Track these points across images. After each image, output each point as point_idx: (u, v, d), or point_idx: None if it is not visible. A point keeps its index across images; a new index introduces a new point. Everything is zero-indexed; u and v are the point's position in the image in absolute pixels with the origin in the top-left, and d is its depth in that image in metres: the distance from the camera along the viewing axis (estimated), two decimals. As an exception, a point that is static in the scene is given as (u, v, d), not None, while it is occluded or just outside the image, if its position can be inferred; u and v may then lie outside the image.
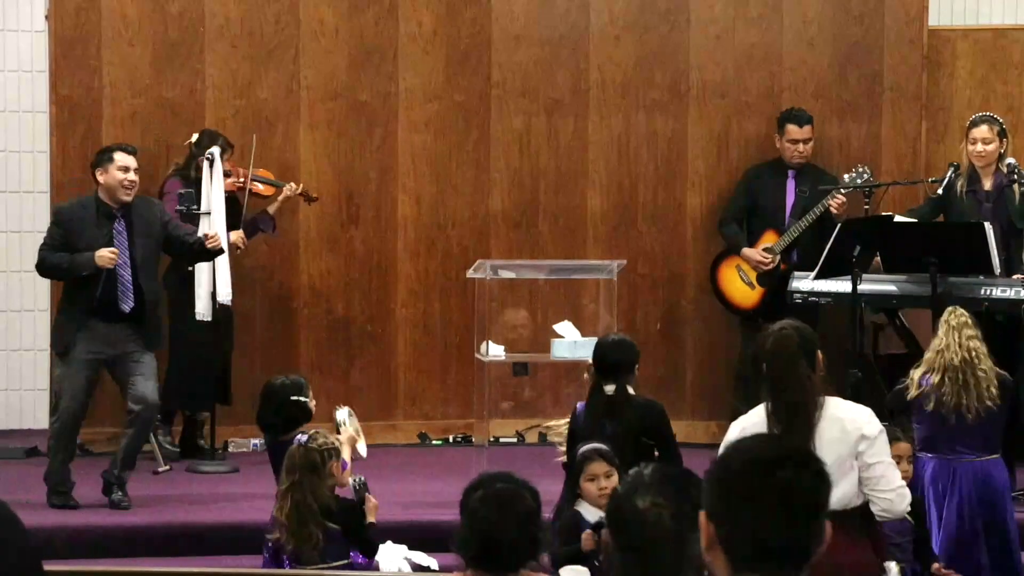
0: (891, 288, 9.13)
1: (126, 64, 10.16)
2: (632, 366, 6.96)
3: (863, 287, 8.78)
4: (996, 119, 9.42)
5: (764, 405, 5.51)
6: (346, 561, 6.55)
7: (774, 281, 10.03)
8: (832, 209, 9.79)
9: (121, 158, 8.68)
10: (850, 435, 5.42)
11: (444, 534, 7.98)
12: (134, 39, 10.16)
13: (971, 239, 8.82)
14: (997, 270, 8.82)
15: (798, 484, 2.83)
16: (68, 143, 10.14)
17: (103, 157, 8.74)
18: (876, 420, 5.53)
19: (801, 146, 10.13)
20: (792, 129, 10.14)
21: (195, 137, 9.81)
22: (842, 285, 8.93)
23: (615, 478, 6.00)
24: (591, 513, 6.28)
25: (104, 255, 8.46)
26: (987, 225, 8.80)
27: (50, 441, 8.79)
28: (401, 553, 7.61)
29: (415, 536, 7.82)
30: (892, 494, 5.48)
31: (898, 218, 9.31)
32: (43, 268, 8.77)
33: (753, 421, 5.51)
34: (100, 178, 8.69)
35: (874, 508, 5.49)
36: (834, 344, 10.11)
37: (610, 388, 6.85)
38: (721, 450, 2.96)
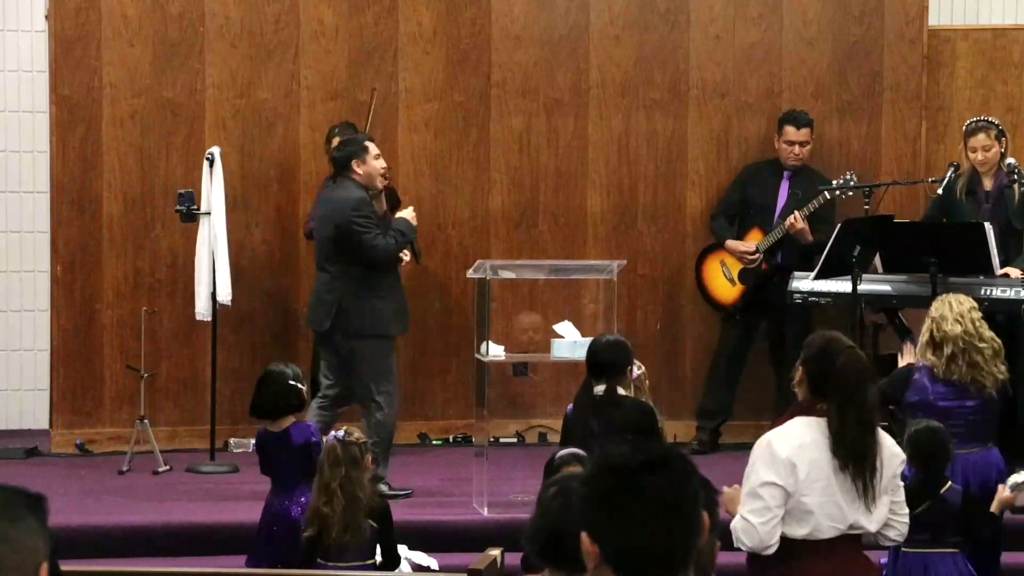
0: (891, 288, 9.13)
1: (126, 64, 10.16)
2: (624, 367, 6.95)
3: (863, 287, 8.79)
4: (992, 123, 9.39)
5: (810, 421, 5.30)
6: (372, 561, 6.55)
7: (754, 279, 10.06)
8: (787, 229, 9.82)
9: (373, 147, 8.84)
10: (894, 458, 5.39)
11: (444, 534, 8.07)
12: (134, 39, 10.16)
13: (971, 239, 8.82)
14: (997, 270, 8.82)
15: (661, 486, 2.84)
16: (68, 143, 10.14)
17: (358, 148, 8.79)
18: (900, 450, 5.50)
19: (797, 148, 10.12)
20: (789, 131, 10.14)
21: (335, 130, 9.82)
22: (842, 285, 8.93)
23: None
24: None
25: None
26: (987, 225, 8.80)
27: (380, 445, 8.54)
28: (401, 553, 7.61)
29: (415, 536, 7.82)
30: (905, 523, 5.47)
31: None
32: (386, 253, 8.73)
33: (804, 433, 5.28)
34: (359, 169, 8.75)
35: (891, 533, 5.43)
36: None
37: (599, 388, 6.87)
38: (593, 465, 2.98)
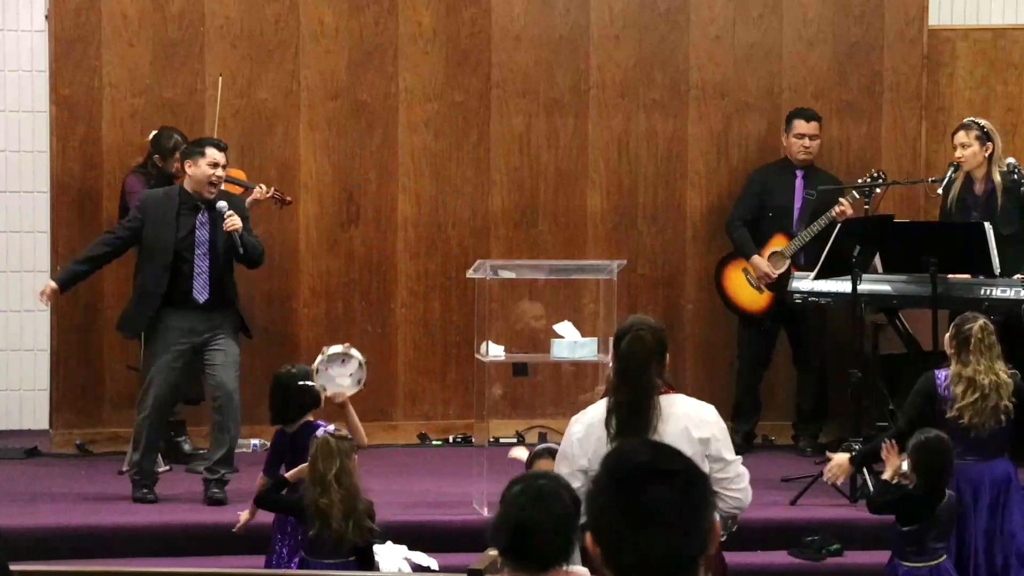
0: (891, 288, 9.13)
1: (126, 64, 10.16)
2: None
3: (863, 287, 8.78)
4: (976, 123, 9.35)
5: (606, 400, 5.62)
6: (352, 559, 6.55)
7: (783, 285, 9.97)
8: (835, 216, 9.76)
9: (212, 153, 8.74)
10: (695, 433, 5.51)
11: (444, 534, 8.07)
12: (134, 39, 10.16)
13: (971, 239, 8.82)
14: (997, 270, 8.82)
15: (665, 496, 2.81)
16: (68, 143, 10.14)
17: (194, 150, 8.81)
18: (720, 418, 5.64)
19: (807, 141, 10.12)
20: (799, 124, 10.13)
21: (152, 134, 9.78)
22: (842, 285, 8.93)
23: None
24: None
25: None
26: (987, 225, 8.80)
27: (139, 434, 8.79)
28: (401, 553, 7.61)
29: (415, 536, 7.83)
30: (742, 492, 5.56)
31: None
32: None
33: (591, 417, 5.61)
34: (188, 169, 8.75)
35: (723, 505, 5.51)
36: (834, 344, 10.16)
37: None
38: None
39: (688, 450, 5.43)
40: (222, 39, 10.25)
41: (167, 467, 9.52)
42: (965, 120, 9.49)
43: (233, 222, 8.66)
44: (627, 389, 5.56)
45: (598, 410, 5.65)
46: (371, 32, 10.41)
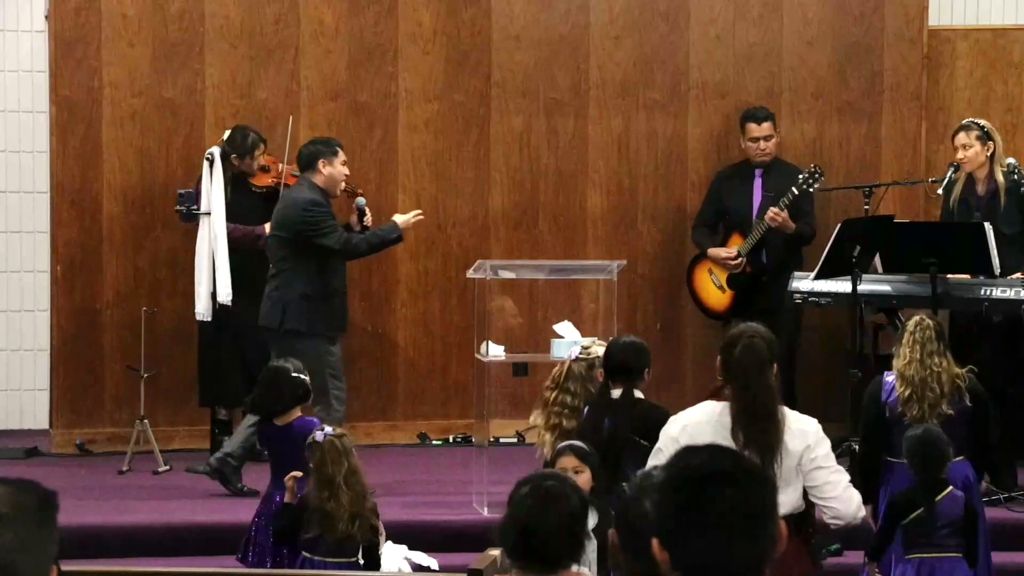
0: (891, 288, 9.13)
1: (126, 64, 10.16)
2: (642, 370, 6.91)
3: (863, 287, 8.78)
4: (976, 124, 9.33)
5: (710, 405, 5.64)
6: (355, 559, 6.55)
7: (743, 284, 10.06)
8: (768, 224, 9.82)
9: (342, 153, 9.08)
10: (801, 443, 5.58)
11: (444, 534, 8.07)
12: (134, 39, 10.16)
13: (971, 239, 8.82)
14: (997, 270, 8.82)
15: (731, 499, 2.82)
16: (68, 143, 10.14)
17: (327, 149, 9.05)
18: (820, 429, 5.68)
19: (762, 143, 10.12)
20: (751, 127, 10.14)
21: (227, 133, 9.78)
22: (842, 285, 8.93)
23: (586, 475, 5.98)
24: None
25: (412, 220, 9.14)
26: (987, 225, 8.79)
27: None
28: (401, 553, 7.61)
29: (415, 536, 7.83)
30: (838, 501, 5.63)
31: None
32: (354, 249, 9.08)
33: (696, 419, 5.63)
34: (324, 169, 8.98)
35: (825, 516, 5.66)
36: (834, 344, 10.16)
37: (616, 392, 6.82)
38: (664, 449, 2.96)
39: (794, 459, 5.50)
40: (222, 39, 10.25)
41: (167, 467, 9.53)
42: (964, 121, 9.48)
43: (370, 216, 9.30)
44: (748, 399, 5.55)
45: (700, 412, 5.65)
46: (371, 32, 10.41)
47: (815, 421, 5.70)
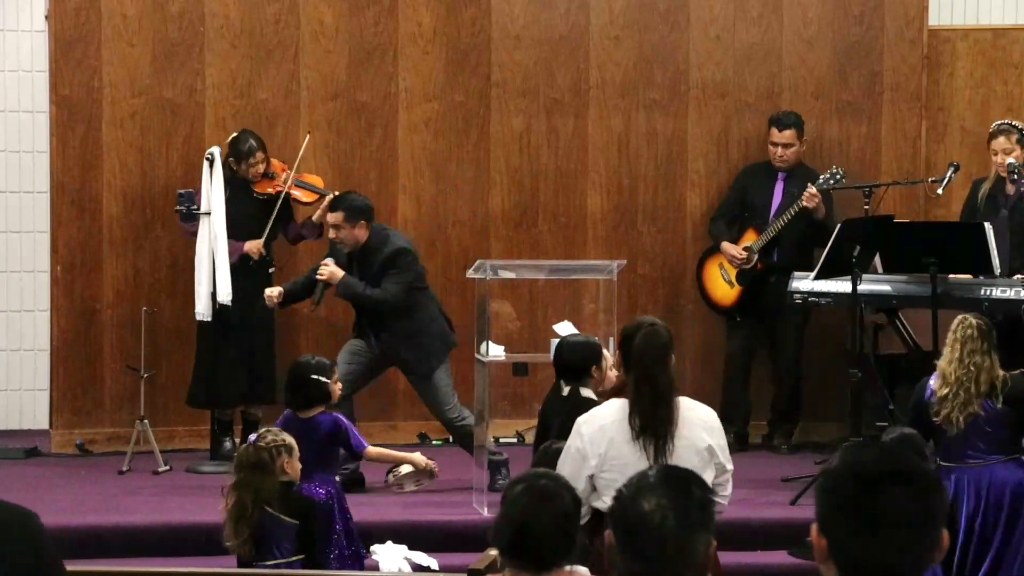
0: (891, 288, 9.13)
1: (126, 64, 10.16)
2: (588, 368, 6.93)
3: (863, 287, 8.78)
4: (1015, 127, 9.28)
5: (619, 402, 5.66)
6: (300, 557, 6.56)
7: (751, 280, 10.07)
8: (804, 203, 9.80)
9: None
10: (708, 439, 5.64)
11: (444, 534, 8.07)
12: (134, 39, 10.16)
13: (971, 239, 8.82)
14: (997, 270, 8.82)
15: (903, 500, 2.79)
16: (68, 143, 10.14)
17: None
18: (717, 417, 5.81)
19: (780, 150, 10.11)
20: (773, 132, 10.16)
21: (231, 138, 9.76)
22: (842, 285, 8.92)
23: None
24: None
25: None
26: (987, 225, 8.79)
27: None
28: (401, 553, 7.61)
29: (415, 536, 7.83)
30: (727, 500, 5.73)
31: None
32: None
33: (613, 418, 5.64)
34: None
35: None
36: (834, 344, 10.16)
37: (566, 390, 6.89)
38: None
39: (697, 459, 5.49)
40: (222, 39, 10.25)
41: (167, 467, 9.52)
42: (1000, 124, 9.36)
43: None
44: (649, 386, 5.59)
45: (609, 410, 5.66)
46: (371, 32, 10.41)
47: (714, 412, 5.79)
